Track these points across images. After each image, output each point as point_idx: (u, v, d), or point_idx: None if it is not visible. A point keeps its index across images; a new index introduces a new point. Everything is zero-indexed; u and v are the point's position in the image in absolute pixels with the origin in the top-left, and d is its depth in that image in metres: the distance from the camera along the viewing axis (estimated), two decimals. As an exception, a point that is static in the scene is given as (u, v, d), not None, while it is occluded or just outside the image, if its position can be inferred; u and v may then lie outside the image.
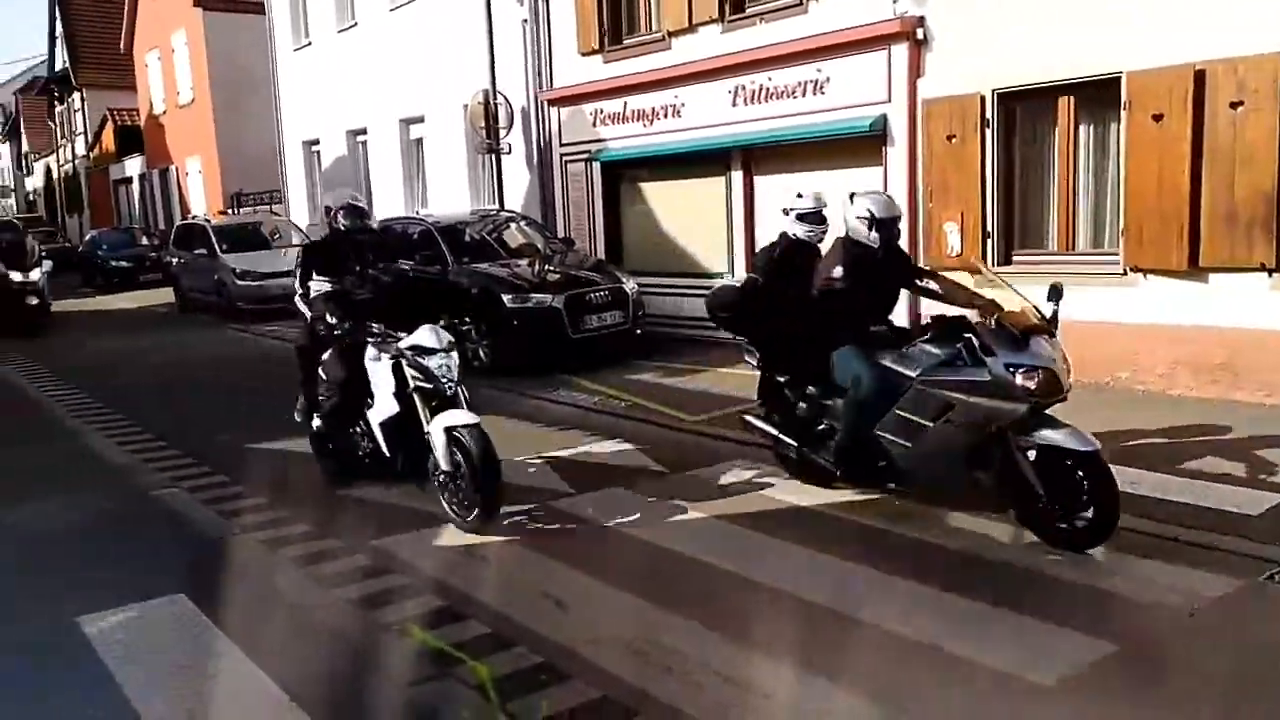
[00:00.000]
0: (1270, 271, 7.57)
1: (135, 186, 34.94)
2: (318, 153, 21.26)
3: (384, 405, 5.98)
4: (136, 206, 34.53)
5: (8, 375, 12.22)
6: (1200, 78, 7.76)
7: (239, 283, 16.71)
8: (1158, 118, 8.02)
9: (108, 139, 36.87)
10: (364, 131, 19.22)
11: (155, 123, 30.96)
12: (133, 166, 34.60)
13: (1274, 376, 7.63)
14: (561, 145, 14.17)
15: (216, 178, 26.07)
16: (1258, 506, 5.43)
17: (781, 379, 6.28)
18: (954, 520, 5.61)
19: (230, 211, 23.72)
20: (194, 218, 22.32)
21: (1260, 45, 7.42)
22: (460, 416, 5.60)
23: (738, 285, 6.71)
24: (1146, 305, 8.32)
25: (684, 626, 4.33)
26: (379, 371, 5.99)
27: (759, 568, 5.01)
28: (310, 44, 20.65)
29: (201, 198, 27.59)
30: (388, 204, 18.08)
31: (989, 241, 9.33)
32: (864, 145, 10.25)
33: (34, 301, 16.23)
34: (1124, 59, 8.19)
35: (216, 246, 17.53)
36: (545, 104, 14.30)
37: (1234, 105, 7.61)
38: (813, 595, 4.60)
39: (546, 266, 11.30)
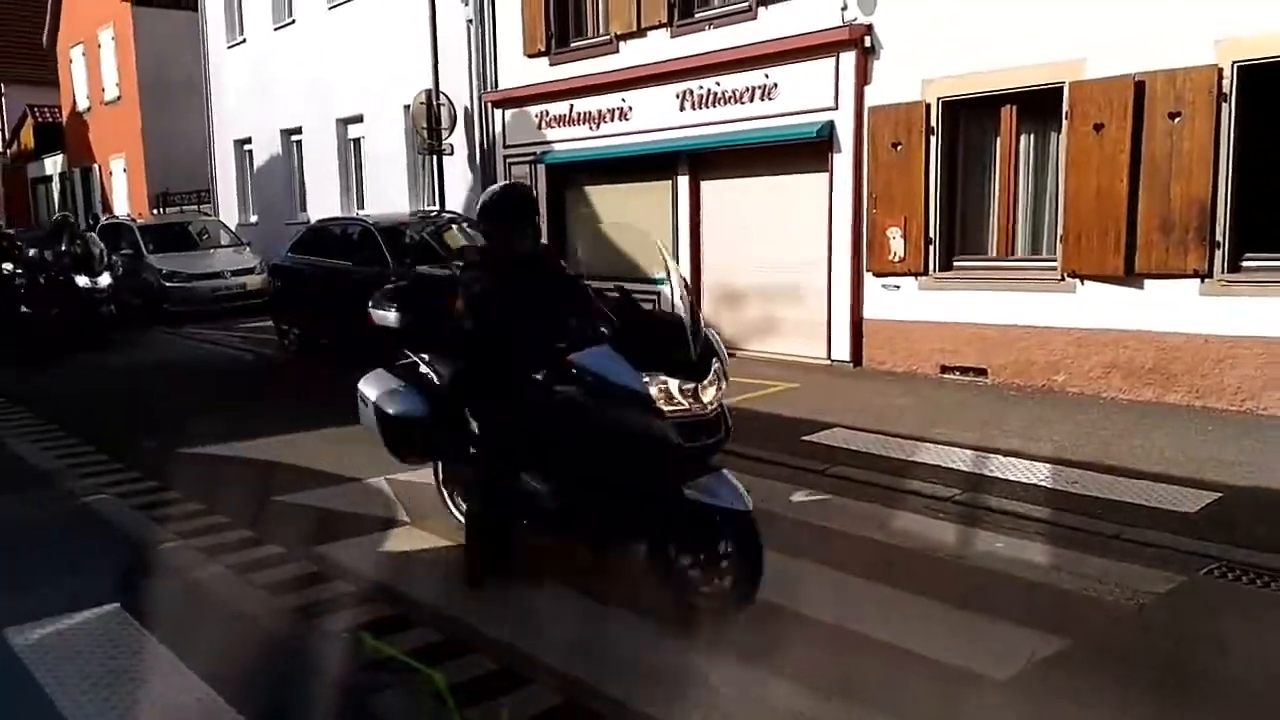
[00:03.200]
0: (1202, 278, 7.80)
1: (55, 185, 33.76)
2: (250, 152, 20.80)
3: None
4: (56, 206, 33.37)
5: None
6: (1140, 88, 7.96)
7: (166, 284, 16.21)
8: (1098, 127, 8.21)
9: (26, 136, 35.57)
10: (299, 131, 18.85)
11: (78, 120, 29.96)
12: (52, 164, 33.42)
13: (1203, 380, 7.85)
14: (506, 147, 14.03)
15: (141, 177, 25.32)
16: (1193, 505, 5.55)
17: None
18: (900, 519, 5.67)
19: (157, 211, 23.07)
20: (117, 217, 21.64)
21: (1197, 58, 7.64)
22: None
23: None
24: (1082, 310, 8.51)
25: (638, 626, 4.27)
26: None
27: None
28: (245, 41, 20.21)
29: (125, 197, 26.78)
30: (322, 204, 17.76)
31: (931, 247, 9.47)
32: (811, 151, 10.33)
33: (109, 310, 13.74)
34: (1066, 70, 8.37)
35: (143, 246, 16.99)
36: (489, 105, 14.17)
37: (1172, 116, 7.82)
38: (761, 593, 4.57)
39: (490, 269, 11.14)
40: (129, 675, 3.87)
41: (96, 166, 29.02)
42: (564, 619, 4.39)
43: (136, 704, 3.69)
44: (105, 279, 13.80)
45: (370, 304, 5.73)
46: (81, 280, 13.38)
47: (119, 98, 26.29)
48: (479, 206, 4.79)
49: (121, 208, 26.32)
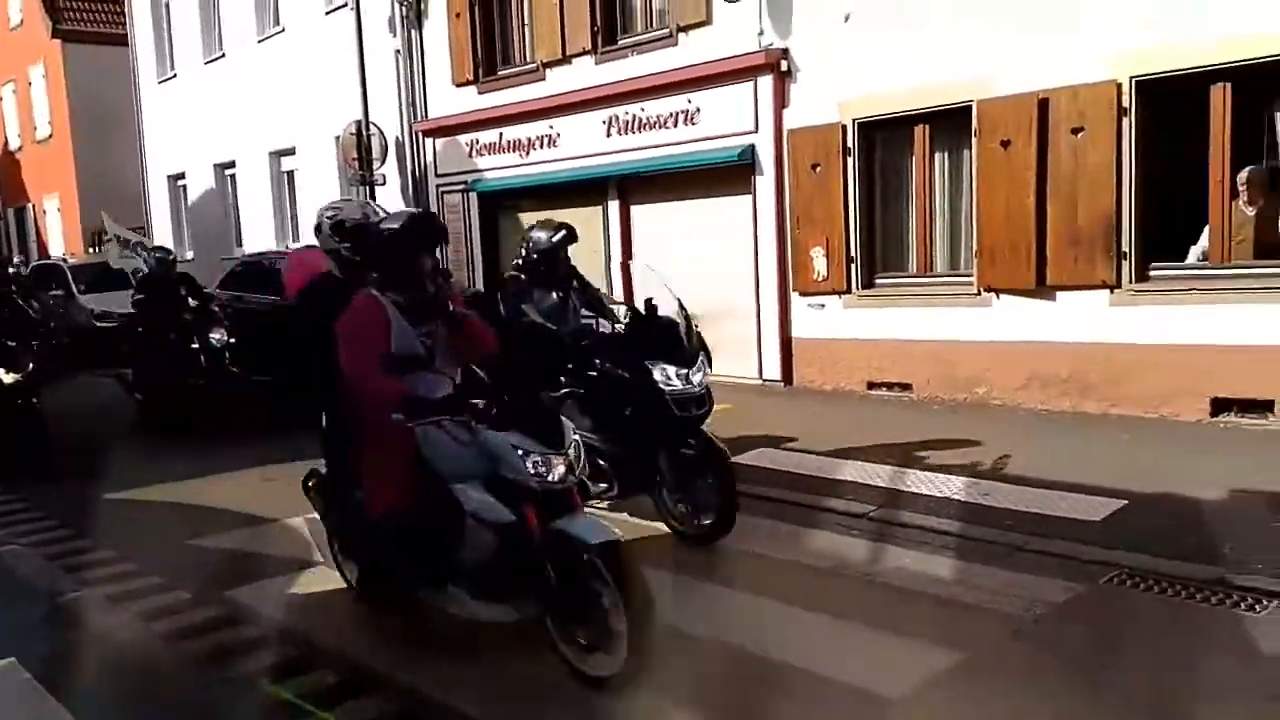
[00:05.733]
0: (1111, 289, 8.00)
1: (-10, 226, 33.12)
2: (184, 187, 20.60)
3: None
4: (-8, 246, 32.72)
5: None
6: (1044, 105, 8.18)
7: (97, 324, 15.87)
8: (1005, 144, 8.42)
9: (-42, 176, 34.86)
10: (232, 164, 18.70)
11: (10, 159, 29.44)
12: (-14, 204, 32.80)
13: (1117, 389, 8.04)
14: (438, 176, 14.04)
15: (75, 216, 24.94)
16: (1099, 513, 5.68)
17: None
18: (813, 538, 5.74)
19: (92, 250, 22.71)
20: (49, 258, 21.29)
21: (1096, 74, 7.87)
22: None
23: None
24: (1000, 323, 8.68)
25: (549, 668, 4.24)
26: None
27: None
28: (175, 76, 20.05)
29: (60, 237, 26.34)
30: (257, 238, 17.61)
31: (853, 266, 9.62)
32: (735, 174, 10.46)
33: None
34: (973, 88, 8.58)
35: (74, 287, 16.65)
36: (420, 135, 14.16)
37: (1075, 131, 8.04)
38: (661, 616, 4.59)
39: (421, 299, 11.07)
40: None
41: (30, 206, 28.53)
42: (476, 660, 4.36)
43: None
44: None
45: None
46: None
47: (50, 136, 25.91)
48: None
49: (56, 247, 25.88)
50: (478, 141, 13.36)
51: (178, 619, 4.93)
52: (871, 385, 9.62)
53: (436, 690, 4.03)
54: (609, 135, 11.69)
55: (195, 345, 9.94)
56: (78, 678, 4.26)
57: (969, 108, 8.69)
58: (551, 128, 12.39)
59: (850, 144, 9.52)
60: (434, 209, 14.07)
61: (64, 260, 18.88)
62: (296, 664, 4.34)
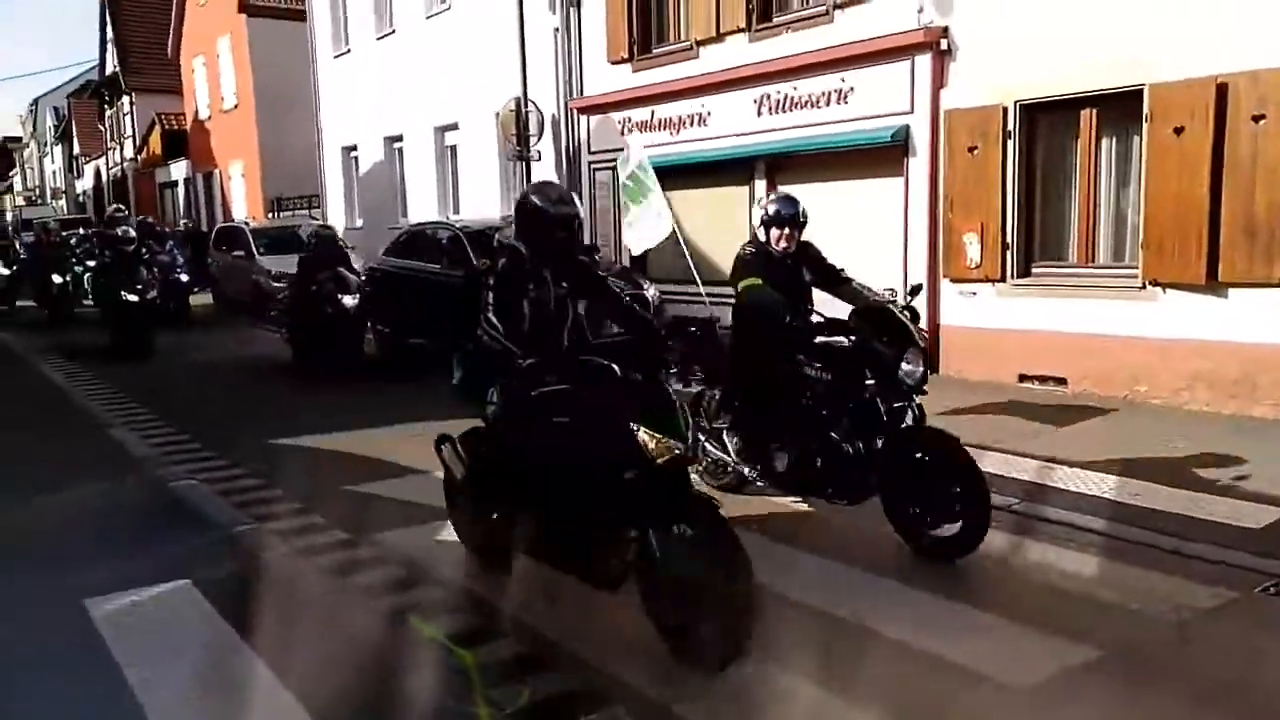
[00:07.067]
0: (1290, 287, 7.50)
1: (180, 190, 35.71)
2: (356, 158, 21.63)
3: None
4: (181, 209, 35.29)
5: (46, 372, 12.56)
6: (1222, 90, 7.71)
7: (274, 284, 17.00)
8: (1179, 130, 7.97)
9: (155, 143, 37.72)
10: (400, 138, 19.53)
11: (200, 127, 31.66)
12: (178, 170, 35.38)
13: (1292, 393, 7.54)
14: (590, 153, 14.31)
15: (258, 182, 26.60)
16: (1259, 520, 5.39)
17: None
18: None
19: (271, 215, 24.20)
20: (233, 221, 22.84)
21: (1281, 58, 7.37)
22: None
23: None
24: (1165, 319, 8.26)
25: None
26: None
27: (756, 570, 5.05)
28: (350, 51, 21.05)
29: (243, 201, 28.16)
30: (421, 209, 18.39)
31: (1008, 253, 9.31)
32: (886, 155, 10.27)
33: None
34: (1146, 71, 8.15)
35: (254, 248, 17.87)
36: (575, 112, 14.46)
37: (1256, 119, 7.55)
38: (800, 595, 4.64)
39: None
40: (192, 647, 4.20)
41: (217, 171, 30.60)
42: (605, 615, 4.53)
43: (196, 674, 4.01)
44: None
45: None
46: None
47: (236, 106, 27.70)
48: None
49: (240, 211, 27.71)
50: (630, 119, 13.54)
51: (335, 556, 5.32)
52: (1023, 378, 9.31)
53: (568, 639, 4.23)
54: (759, 114, 11.65)
55: None
56: (242, 601, 4.66)
57: (1140, 91, 8.26)
58: (703, 106, 12.44)
59: (1011, 126, 9.20)
60: (587, 185, 14.38)
61: (245, 224, 20.23)
62: (439, 604, 4.63)
